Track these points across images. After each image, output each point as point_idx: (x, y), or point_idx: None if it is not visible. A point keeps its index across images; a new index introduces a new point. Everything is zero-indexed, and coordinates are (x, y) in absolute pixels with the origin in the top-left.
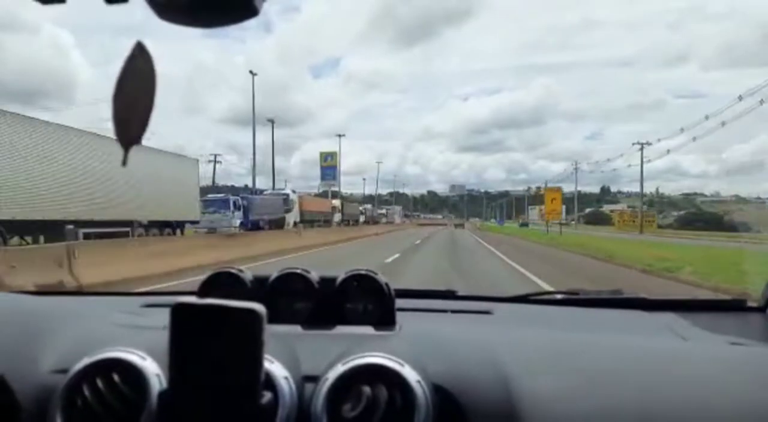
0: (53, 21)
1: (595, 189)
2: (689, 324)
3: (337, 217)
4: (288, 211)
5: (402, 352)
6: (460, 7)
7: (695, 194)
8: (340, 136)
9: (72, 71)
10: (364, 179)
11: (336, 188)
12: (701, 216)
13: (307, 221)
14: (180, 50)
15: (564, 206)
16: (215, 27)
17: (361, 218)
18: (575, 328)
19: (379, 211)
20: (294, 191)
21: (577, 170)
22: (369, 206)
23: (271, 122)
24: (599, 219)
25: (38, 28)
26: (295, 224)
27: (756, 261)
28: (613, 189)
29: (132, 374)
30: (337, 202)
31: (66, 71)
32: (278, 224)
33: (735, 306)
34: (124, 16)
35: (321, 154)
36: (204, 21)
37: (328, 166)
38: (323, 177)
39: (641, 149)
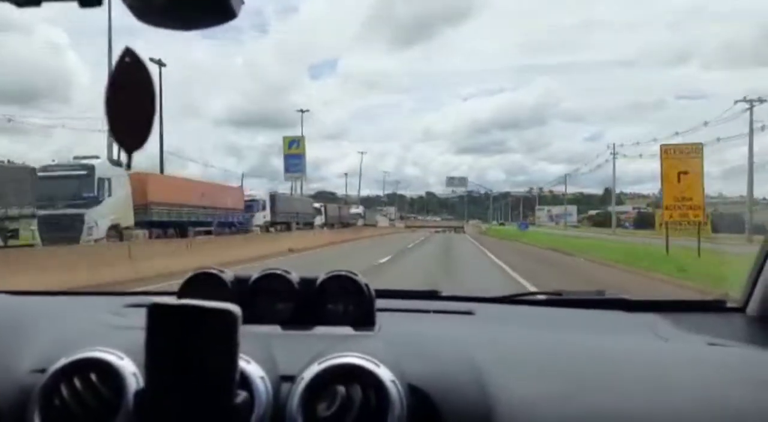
0: (47, 21)
1: (598, 191)
2: (670, 324)
3: (319, 220)
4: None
5: (379, 352)
6: (459, 7)
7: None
8: (302, 111)
9: (68, 72)
10: (360, 175)
11: (312, 184)
12: (722, 218)
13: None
14: (176, 51)
15: (574, 207)
16: (194, 29)
17: (360, 221)
18: (557, 329)
19: (353, 210)
20: (119, 163)
21: (578, 172)
22: (359, 208)
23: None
24: (608, 222)
25: (32, 28)
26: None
27: (736, 261)
28: (616, 191)
29: (109, 373)
30: (318, 204)
31: (62, 72)
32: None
33: (715, 306)
34: (119, 18)
35: (285, 139)
36: (182, 23)
37: (294, 154)
38: (288, 168)
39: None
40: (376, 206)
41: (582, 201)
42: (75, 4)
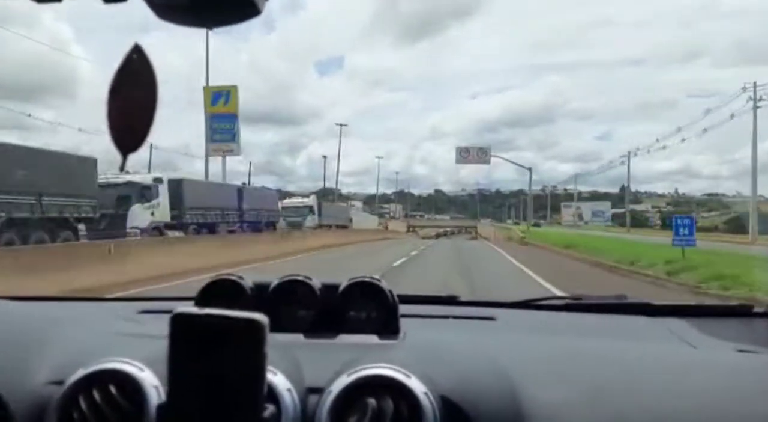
0: (53, 16)
1: (614, 189)
2: (696, 330)
3: (311, 221)
4: None
5: (409, 363)
6: (465, 4)
7: (719, 194)
8: (341, 126)
9: (73, 67)
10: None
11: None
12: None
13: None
14: (182, 46)
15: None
16: (217, 27)
17: (309, 220)
18: (580, 335)
19: (294, 201)
20: None
21: (585, 173)
22: (308, 197)
23: None
24: (633, 221)
25: (37, 22)
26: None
27: (764, 265)
28: (631, 189)
29: (129, 386)
30: (310, 199)
31: (67, 67)
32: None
33: (741, 312)
34: (125, 14)
35: (206, 90)
36: (205, 21)
37: (221, 113)
38: (212, 136)
39: None
40: (380, 204)
41: (598, 200)
42: (99, 2)
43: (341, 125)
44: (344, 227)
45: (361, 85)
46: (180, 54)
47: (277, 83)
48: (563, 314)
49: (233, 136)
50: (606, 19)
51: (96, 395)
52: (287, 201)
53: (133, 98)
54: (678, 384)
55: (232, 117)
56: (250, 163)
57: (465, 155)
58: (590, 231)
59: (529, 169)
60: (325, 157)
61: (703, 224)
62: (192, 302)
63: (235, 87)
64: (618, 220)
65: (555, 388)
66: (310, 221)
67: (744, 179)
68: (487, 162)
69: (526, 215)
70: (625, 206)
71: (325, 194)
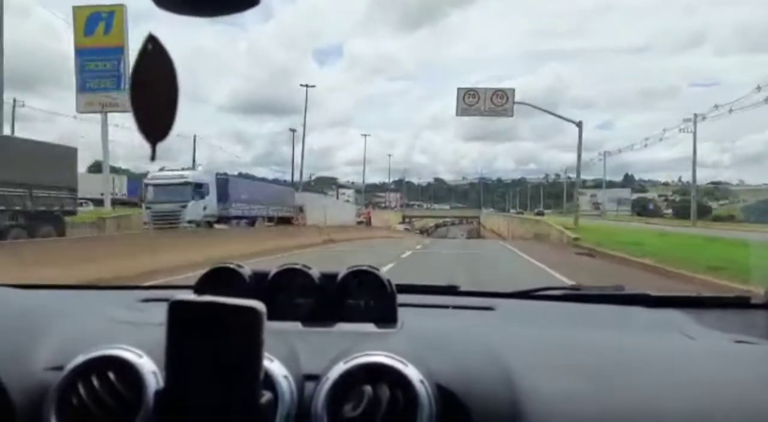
0: (45, 3)
1: (617, 177)
2: (693, 321)
3: (195, 211)
4: None
5: (405, 350)
6: None
7: (724, 183)
8: (306, 87)
9: (69, 55)
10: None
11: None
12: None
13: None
14: (179, 35)
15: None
16: (216, 16)
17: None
18: (578, 325)
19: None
20: None
21: (585, 160)
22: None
23: None
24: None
25: (29, 9)
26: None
27: (762, 255)
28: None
29: (128, 372)
30: (195, 173)
31: (63, 55)
32: None
33: (739, 303)
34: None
35: (77, 12)
36: (204, 11)
37: (99, 47)
38: (84, 82)
39: None
40: (376, 192)
41: (599, 189)
42: None
43: (307, 85)
44: (287, 220)
45: (360, 74)
46: (178, 42)
47: (276, 72)
48: (562, 305)
49: (118, 81)
50: (607, 6)
51: (95, 381)
52: (152, 176)
53: (155, 89)
54: (676, 374)
55: (116, 52)
56: (195, 137)
57: (471, 101)
58: (632, 223)
59: (579, 123)
60: (293, 130)
61: (719, 213)
62: (192, 292)
63: (121, 6)
64: (634, 209)
65: (553, 378)
66: (194, 211)
67: (746, 167)
68: (508, 113)
69: (529, 205)
70: (692, 192)
71: (321, 184)
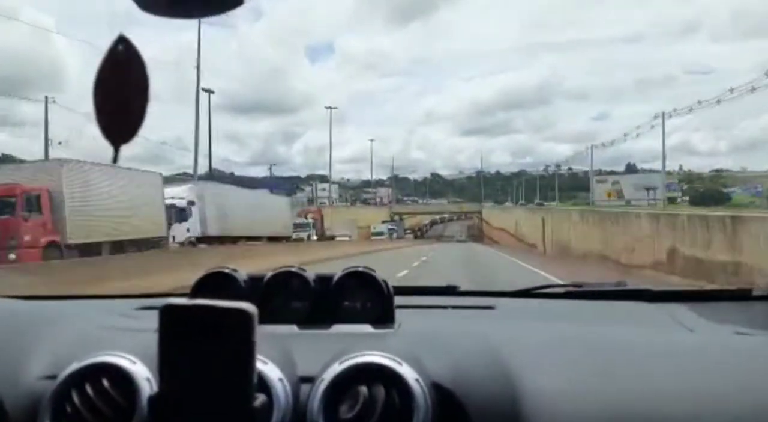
0: (33, 5)
1: (619, 167)
2: (695, 314)
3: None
4: None
5: (400, 350)
6: None
7: (724, 170)
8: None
9: (57, 58)
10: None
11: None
12: None
13: None
14: (168, 35)
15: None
16: (199, 18)
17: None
18: (580, 322)
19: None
20: None
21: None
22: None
23: None
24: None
25: (16, 11)
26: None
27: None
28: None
29: (122, 378)
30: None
31: (51, 58)
32: None
33: (741, 296)
34: (111, 7)
35: None
36: (188, 12)
37: None
38: None
39: None
40: (365, 188)
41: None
42: None
43: (331, 107)
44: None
45: (353, 71)
46: (169, 45)
47: (268, 71)
48: (563, 302)
49: None
50: None
51: (88, 388)
52: None
53: (121, 90)
54: (677, 367)
55: None
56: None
57: None
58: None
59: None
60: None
61: (738, 200)
62: (188, 298)
63: None
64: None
65: (554, 374)
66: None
67: (745, 153)
68: None
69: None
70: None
71: (311, 180)
